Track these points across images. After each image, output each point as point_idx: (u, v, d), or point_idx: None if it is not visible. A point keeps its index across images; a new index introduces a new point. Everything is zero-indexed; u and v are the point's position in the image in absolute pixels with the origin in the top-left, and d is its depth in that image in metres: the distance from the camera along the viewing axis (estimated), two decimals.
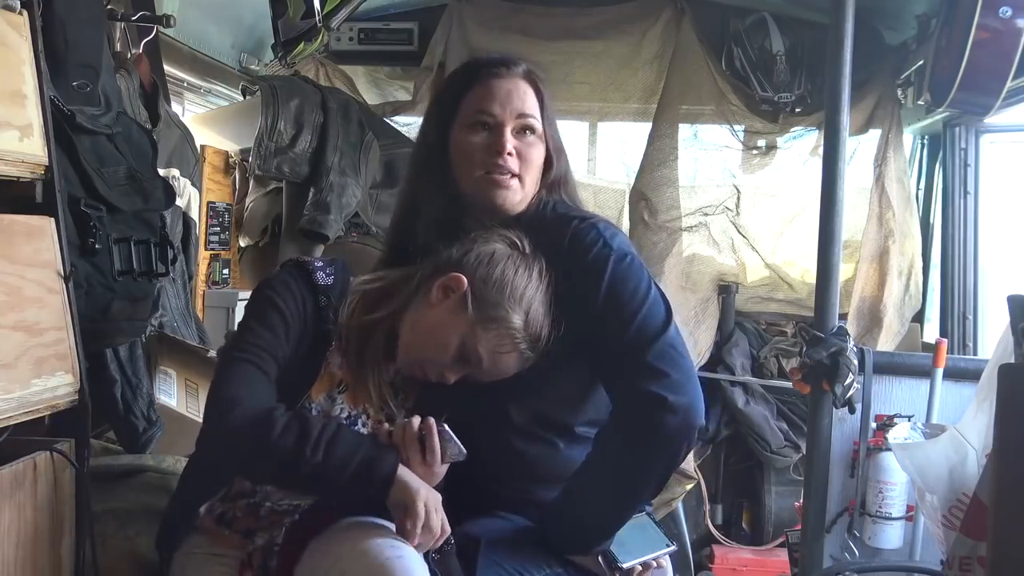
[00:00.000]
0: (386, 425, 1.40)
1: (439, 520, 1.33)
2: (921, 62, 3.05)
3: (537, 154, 1.53)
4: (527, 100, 1.53)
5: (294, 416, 1.34)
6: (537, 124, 1.54)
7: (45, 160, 1.49)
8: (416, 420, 1.37)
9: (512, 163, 1.50)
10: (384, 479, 1.32)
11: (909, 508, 2.31)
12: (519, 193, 1.52)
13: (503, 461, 1.51)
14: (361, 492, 1.34)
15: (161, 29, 2.24)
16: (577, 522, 1.45)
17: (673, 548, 1.54)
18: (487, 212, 1.53)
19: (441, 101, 1.60)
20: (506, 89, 1.52)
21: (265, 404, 1.36)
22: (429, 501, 1.32)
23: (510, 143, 1.50)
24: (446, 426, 1.37)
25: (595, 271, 1.44)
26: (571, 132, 3.84)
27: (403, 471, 1.33)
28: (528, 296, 1.43)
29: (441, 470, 1.38)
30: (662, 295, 1.46)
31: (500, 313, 1.42)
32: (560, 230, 1.50)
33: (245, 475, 1.46)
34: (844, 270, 2.95)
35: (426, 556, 1.32)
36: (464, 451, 1.38)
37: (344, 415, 1.47)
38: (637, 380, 1.37)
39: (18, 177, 1.46)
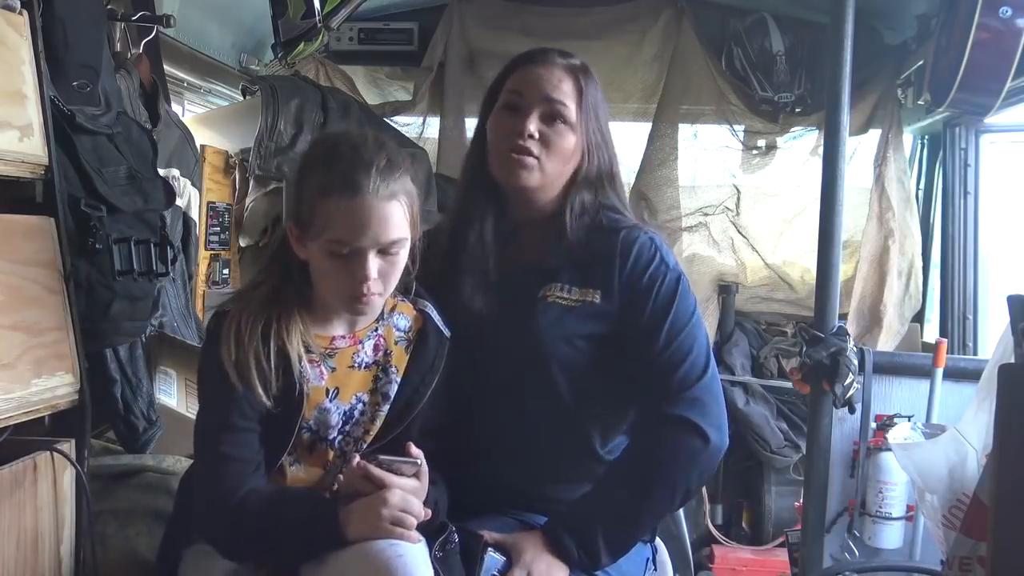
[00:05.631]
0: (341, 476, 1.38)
1: (408, 514, 1.29)
2: (921, 62, 3.05)
3: (564, 143, 1.50)
4: (560, 87, 1.50)
5: (241, 519, 1.32)
6: (569, 113, 1.50)
7: (45, 160, 1.49)
8: (353, 466, 1.32)
9: (532, 145, 1.48)
10: (339, 539, 1.29)
11: (909, 508, 2.31)
12: (536, 174, 1.49)
13: (529, 459, 1.52)
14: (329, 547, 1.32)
15: (161, 29, 2.24)
16: (588, 528, 1.45)
17: None
18: (512, 194, 1.53)
19: (488, 92, 1.59)
20: (538, 74, 1.52)
21: (231, 500, 1.33)
22: (384, 517, 1.28)
23: (533, 125, 1.48)
24: (380, 456, 1.33)
25: (650, 284, 1.50)
26: None
27: (345, 519, 1.29)
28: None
29: (408, 483, 1.32)
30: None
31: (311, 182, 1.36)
32: (609, 239, 1.51)
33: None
34: (844, 270, 2.96)
35: (430, 553, 1.31)
36: (416, 460, 1.33)
37: (340, 412, 1.43)
38: (675, 404, 1.46)
39: (18, 177, 1.46)
